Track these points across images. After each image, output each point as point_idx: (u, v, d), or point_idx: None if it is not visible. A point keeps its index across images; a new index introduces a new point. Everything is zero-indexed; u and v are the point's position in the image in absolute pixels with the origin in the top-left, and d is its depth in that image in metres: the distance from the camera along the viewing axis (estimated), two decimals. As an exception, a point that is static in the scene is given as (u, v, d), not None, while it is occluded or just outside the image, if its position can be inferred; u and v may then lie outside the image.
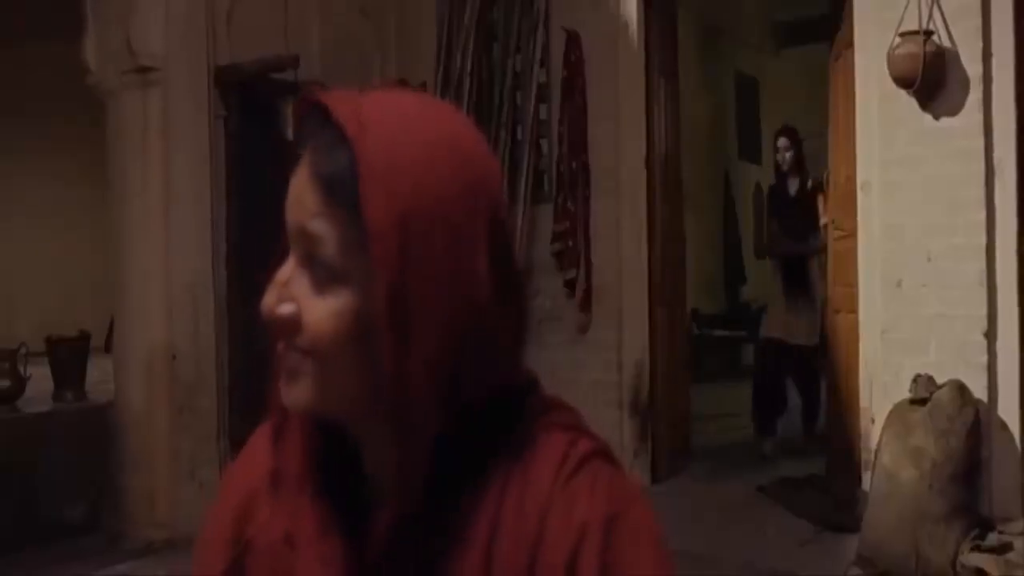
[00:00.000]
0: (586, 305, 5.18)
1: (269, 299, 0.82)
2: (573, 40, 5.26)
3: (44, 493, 4.57)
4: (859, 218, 4.52)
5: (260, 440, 0.96)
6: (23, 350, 4.68)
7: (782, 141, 6.19)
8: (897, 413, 4.23)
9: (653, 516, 0.83)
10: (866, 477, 4.41)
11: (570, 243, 5.16)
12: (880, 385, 4.44)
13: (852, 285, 4.68)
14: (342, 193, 0.79)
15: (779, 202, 6.28)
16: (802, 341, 6.02)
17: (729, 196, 10.87)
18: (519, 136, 5.49)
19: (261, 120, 4.90)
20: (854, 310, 4.69)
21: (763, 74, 11.58)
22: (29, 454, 4.53)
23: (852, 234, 4.62)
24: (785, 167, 6.15)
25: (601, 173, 5.21)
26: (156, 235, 4.62)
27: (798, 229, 6.06)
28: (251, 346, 4.85)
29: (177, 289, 4.64)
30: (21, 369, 4.66)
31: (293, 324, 0.81)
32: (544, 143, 5.48)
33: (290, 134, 4.80)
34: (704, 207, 9.91)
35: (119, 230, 4.72)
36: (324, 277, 0.80)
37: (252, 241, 4.90)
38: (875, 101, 4.35)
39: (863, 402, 4.57)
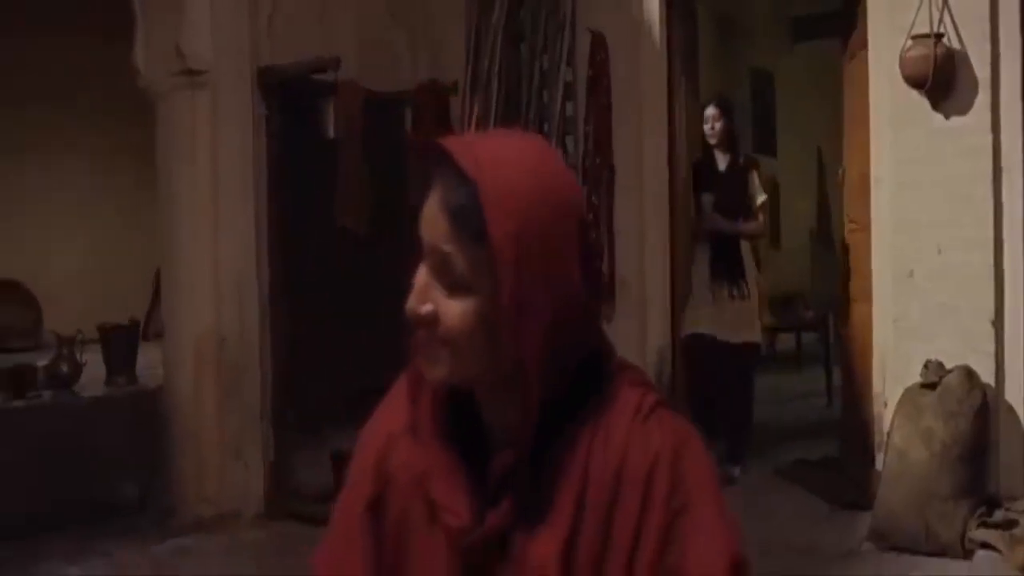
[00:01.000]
0: (610, 295, 5.41)
1: (413, 301, 1.07)
2: (598, 41, 5.48)
3: (100, 472, 4.84)
4: (872, 212, 4.75)
5: (397, 395, 1.20)
6: (79, 337, 4.95)
7: (711, 110, 5.64)
8: (908, 397, 4.47)
9: (704, 446, 1.09)
10: (879, 458, 4.64)
11: (595, 236, 5.40)
12: (892, 371, 4.67)
13: (866, 276, 4.91)
14: (467, 220, 1.04)
15: (707, 176, 5.69)
16: (733, 338, 5.47)
17: (745, 188, 11.07)
18: (546, 133, 5.71)
19: (301, 119, 5.15)
20: (868, 300, 4.91)
21: (777, 69, 11.74)
22: (86, 436, 4.80)
23: (865, 227, 4.84)
24: (714, 139, 5.62)
25: (625, 169, 5.44)
26: (204, 229, 4.88)
27: (729, 207, 5.58)
28: (293, 333, 5.11)
29: (224, 280, 4.91)
30: (77, 355, 4.93)
31: (432, 320, 1.06)
32: (570, 140, 5.69)
33: (331, 132, 5.06)
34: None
35: (169, 225, 4.99)
36: (454, 284, 1.05)
37: (293, 234, 5.16)
38: (888, 100, 4.58)
39: (876, 387, 4.80)
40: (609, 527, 1.04)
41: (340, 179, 5.08)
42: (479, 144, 1.08)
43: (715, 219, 5.58)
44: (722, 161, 5.68)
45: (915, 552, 4.22)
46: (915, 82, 4.35)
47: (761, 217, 5.74)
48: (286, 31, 5.23)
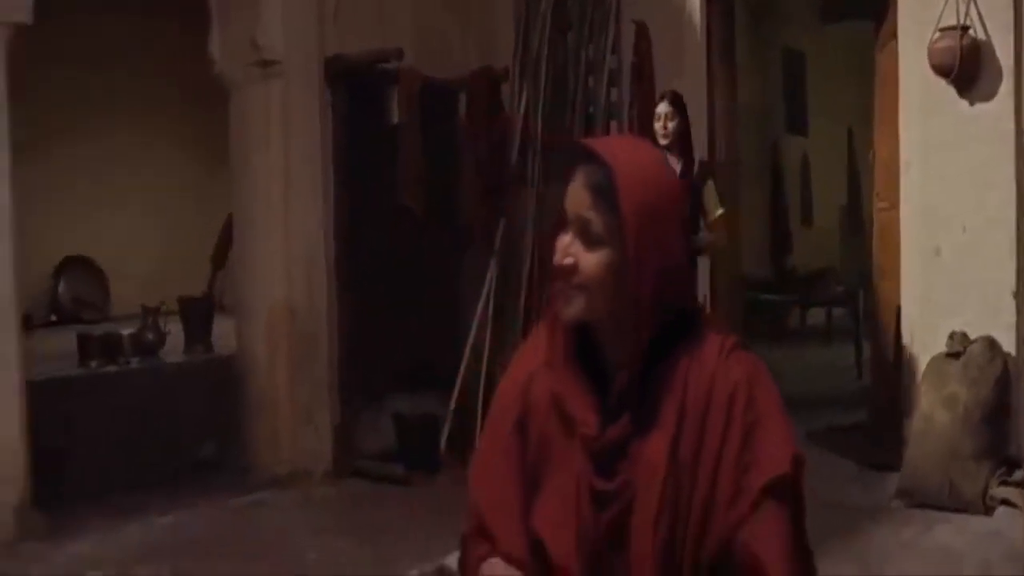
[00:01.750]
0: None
1: (559, 255, 1.43)
2: (642, 30, 5.79)
3: (182, 433, 5.25)
4: (901, 193, 5.06)
5: (534, 341, 1.57)
6: (163, 308, 5.36)
7: (663, 107, 4.95)
8: (934, 365, 4.80)
9: (770, 375, 1.45)
10: (906, 422, 4.98)
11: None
12: (919, 341, 5.00)
13: (894, 253, 5.23)
14: (604, 194, 1.40)
15: None
16: None
17: (777, 167, 11.32)
18: (591, 116, 6.04)
19: (366, 106, 5.52)
20: (896, 275, 5.23)
21: (809, 49, 11.92)
22: (170, 399, 5.21)
23: (895, 207, 5.16)
24: (665, 140, 4.88)
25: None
26: (277, 209, 5.26)
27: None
28: (357, 307, 5.50)
29: (294, 256, 5.30)
30: (161, 324, 5.34)
31: (572, 270, 1.42)
32: (614, 124, 6.02)
33: (395, 117, 5.43)
34: (752, 178, 10.38)
35: (244, 204, 5.39)
36: (591, 242, 1.42)
37: (357, 214, 5.53)
38: (917, 88, 4.88)
39: (904, 356, 5.13)
40: (702, 434, 1.40)
41: (401, 162, 5.44)
42: (610, 143, 1.46)
43: None
44: (675, 166, 4.91)
45: (940, 508, 4.56)
46: (942, 71, 4.65)
47: (717, 232, 4.97)
48: (349, 22, 5.59)
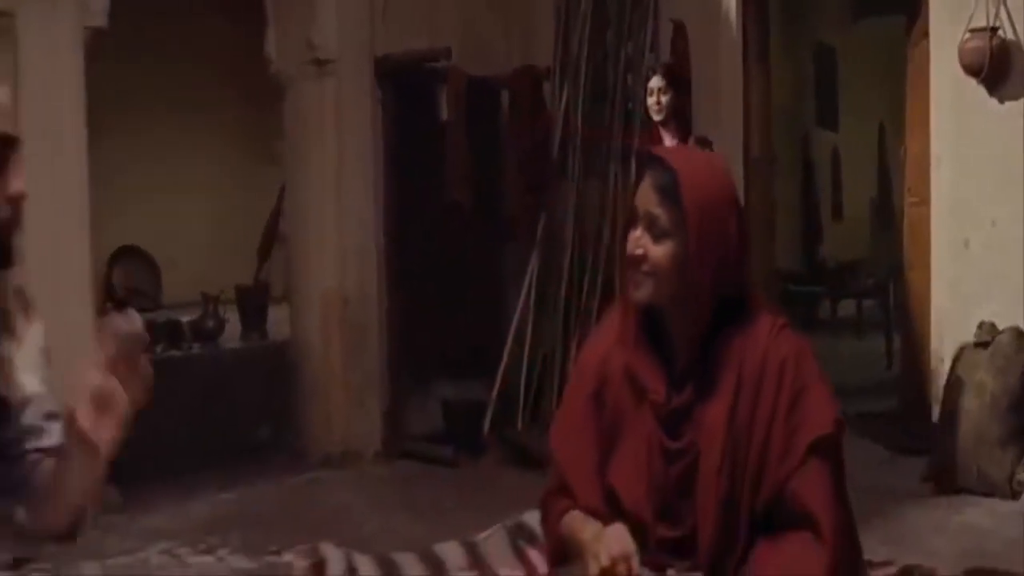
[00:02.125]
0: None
1: (630, 246, 1.66)
2: (679, 29, 5.98)
3: (240, 416, 5.52)
4: (932, 188, 5.24)
5: (607, 324, 1.80)
6: (222, 296, 5.63)
7: (656, 81, 4.85)
8: (963, 354, 4.98)
9: (813, 351, 1.67)
10: (935, 409, 5.16)
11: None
12: (948, 331, 5.18)
13: (924, 245, 5.40)
14: (669, 194, 1.63)
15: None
16: None
17: (808, 161, 11.45)
18: (630, 113, 6.24)
19: (414, 103, 5.76)
20: (926, 267, 5.41)
21: (841, 44, 12.01)
22: (228, 383, 5.48)
23: (925, 201, 5.33)
24: (659, 115, 4.80)
25: (704, 147, 5.96)
26: (329, 202, 5.52)
27: None
28: (406, 296, 5.75)
29: (347, 247, 5.55)
30: (220, 312, 5.61)
31: (642, 259, 1.65)
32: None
33: (443, 115, 5.66)
34: (784, 171, 10.51)
35: (298, 198, 5.65)
36: (658, 235, 1.64)
37: (406, 207, 5.78)
38: (947, 86, 5.06)
39: (934, 345, 5.31)
40: (756, 400, 1.63)
41: (448, 158, 5.68)
42: (675, 152, 1.69)
43: None
44: (668, 143, 4.83)
45: (967, 492, 4.74)
46: (972, 71, 4.83)
47: None
48: (397, 22, 5.82)
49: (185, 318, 5.70)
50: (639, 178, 1.70)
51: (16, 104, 4.13)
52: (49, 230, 4.13)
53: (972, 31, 4.84)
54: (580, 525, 1.68)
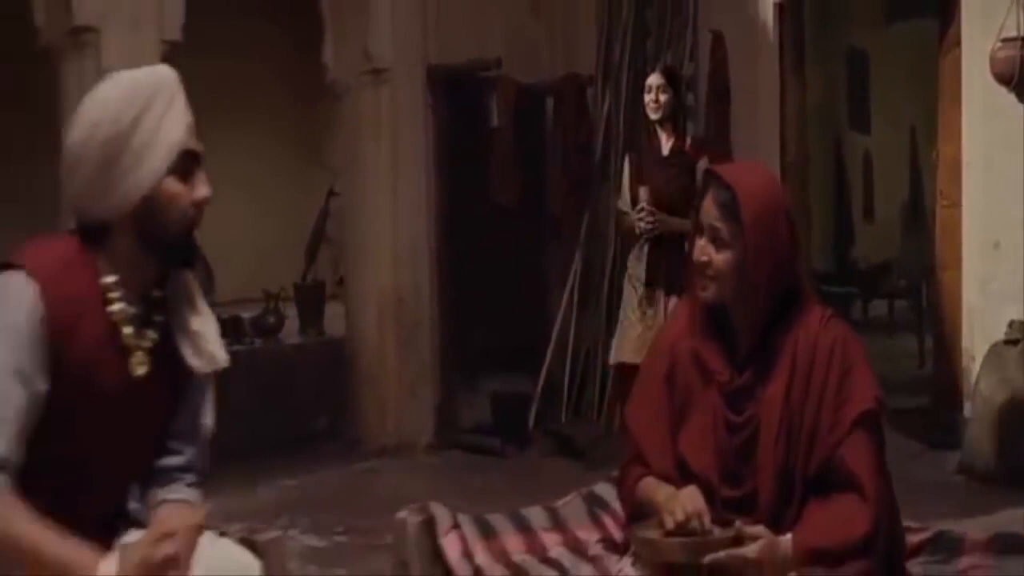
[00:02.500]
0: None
1: (696, 253, 1.91)
2: (718, 39, 6.21)
3: (299, 407, 5.82)
4: (964, 191, 5.45)
5: (678, 315, 2.05)
6: (282, 294, 5.93)
7: (654, 78, 4.69)
8: (994, 352, 5.18)
9: (857, 336, 1.92)
10: (967, 405, 5.37)
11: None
12: (980, 329, 5.38)
13: (956, 246, 5.61)
14: (729, 209, 1.88)
15: (646, 163, 4.71)
16: None
17: (840, 163, 11.61)
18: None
19: (464, 110, 6.03)
20: (958, 267, 5.61)
21: (873, 47, 12.14)
22: (288, 376, 5.78)
23: (957, 204, 5.54)
24: (656, 114, 4.64)
25: (741, 151, 6.19)
26: (385, 204, 5.81)
27: (669, 201, 4.50)
28: (457, 294, 6.03)
29: (401, 247, 5.84)
30: (281, 308, 5.91)
31: (707, 265, 1.90)
32: (691, 125, 6.45)
33: (495, 121, 5.94)
34: (816, 173, 10.67)
35: (355, 199, 5.94)
36: (720, 245, 1.90)
37: (456, 208, 6.06)
38: (979, 94, 5.26)
39: (965, 343, 5.52)
40: (808, 380, 1.88)
41: (497, 161, 5.95)
42: (733, 169, 1.96)
43: (660, 219, 4.47)
44: (665, 144, 4.72)
45: (997, 483, 4.95)
46: (1003, 79, 5.03)
47: None
48: (447, 32, 6.10)
49: (247, 314, 6.00)
50: (703, 193, 1.96)
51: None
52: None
53: (1003, 41, 5.04)
54: (655, 488, 1.94)
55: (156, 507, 1.78)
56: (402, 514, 2.09)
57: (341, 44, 5.86)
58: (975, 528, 2.29)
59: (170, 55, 4.83)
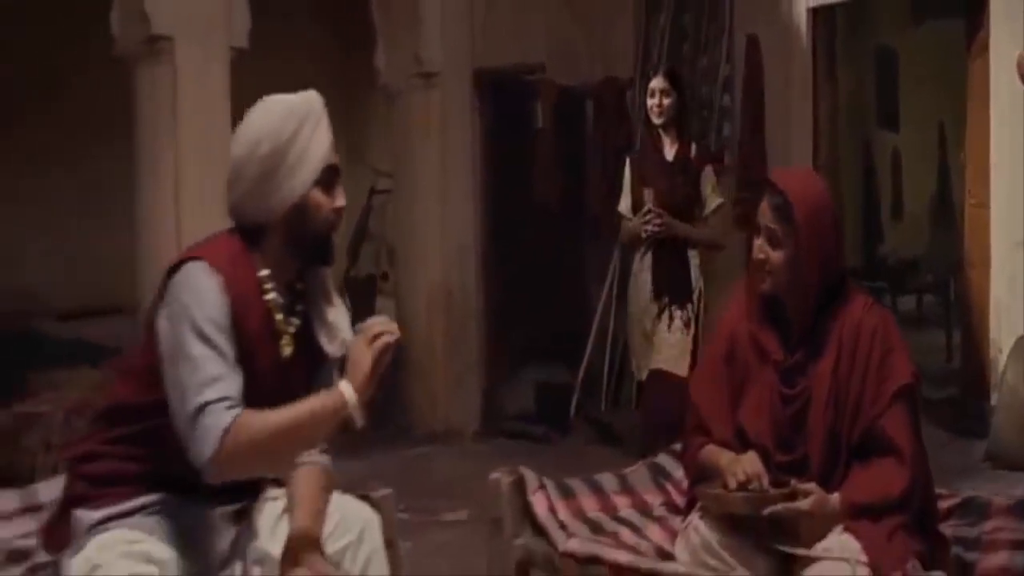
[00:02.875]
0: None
1: (755, 251, 2.18)
2: (753, 44, 6.45)
3: (352, 395, 6.10)
4: (991, 191, 5.67)
5: (736, 301, 2.32)
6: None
7: (657, 82, 4.47)
8: (1020, 344, 5.40)
9: (895, 321, 2.18)
10: (993, 394, 5.60)
11: (750, 207, 6.41)
12: (1006, 323, 5.61)
13: (983, 244, 5.83)
14: (783, 211, 2.15)
15: (649, 168, 4.49)
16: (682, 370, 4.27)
17: (870, 161, 11.79)
18: (706, 119, 6.73)
19: (509, 113, 6.31)
20: (985, 264, 5.83)
21: (902, 47, 12.27)
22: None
23: (984, 204, 5.77)
24: (660, 119, 4.42)
25: (776, 151, 6.43)
26: (434, 204, 6.10)
27: (679, 206, 4.37)
28: (502, 289, 6.32)
29: (450, 244, 6.12)
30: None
31: (764, 262, 2.17)
32: (726, 126, 6.71)
33: (539, 123, 6.21)
34: (846, 170, 10.85)
35: (405, 200, 6.24)
36: (775, 244, 2.17)
37: (501, 207, 6.34)
38: (1006, 97, 5.48)
39: (992, 336, 5.75)
40: (853, 359, 2.14)
41: (539, 163, 6.22)
42: (787, 176, 2.24)
43: (666, 223, 4.31)
44: (669, 148, 4.50)
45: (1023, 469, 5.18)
46: (1030, 83, 5.24)
47: (713, 227, 4.50)
48: (492, 37, 6.37)
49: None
50: (760, 197, 2.22)
51: (176, 117, 4.76)
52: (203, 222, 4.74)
53: (1029, 47, 5.25)
54: (717, 454, 2.21)
55: (296, 468, 2.06)
56: (495, 475, 2.35)
57: (392, 50, 6.14)
58: (1000, 496, 2.53)
59: (237, 60, 5.15)
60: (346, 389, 1.92)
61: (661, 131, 4.51)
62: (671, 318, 4.37)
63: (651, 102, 4.47)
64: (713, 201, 4.48)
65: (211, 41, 4.99)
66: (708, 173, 4.49)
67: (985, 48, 5.75)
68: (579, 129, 6.72)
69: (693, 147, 4.54)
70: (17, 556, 2.20)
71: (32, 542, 2.19)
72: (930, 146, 12.31)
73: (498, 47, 6.30)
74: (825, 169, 6.70)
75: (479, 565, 2.64)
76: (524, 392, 6.27)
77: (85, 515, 1.87)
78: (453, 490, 5.05)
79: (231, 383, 1.84)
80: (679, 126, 4.51)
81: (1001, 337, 5.66)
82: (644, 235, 4.40)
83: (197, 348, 1.83)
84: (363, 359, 1.92)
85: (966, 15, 6.27)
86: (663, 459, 2.68)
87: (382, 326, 1.94)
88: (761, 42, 6.45)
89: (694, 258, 4.49)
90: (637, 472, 2.61)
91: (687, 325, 4.37)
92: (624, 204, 4.61)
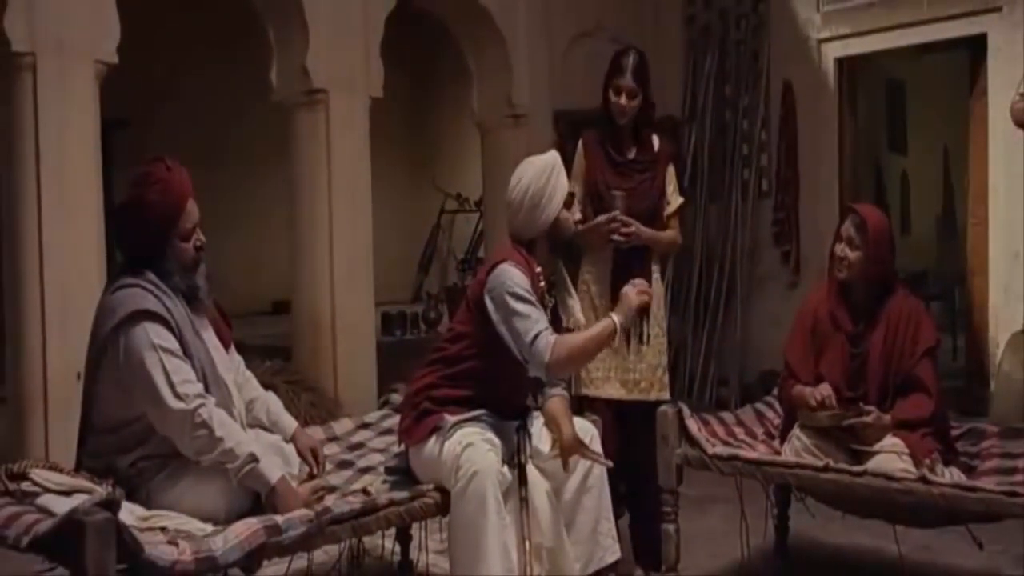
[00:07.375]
0: (796, 269, 7.56)
1: (838, 251, 3.39)
2: (788, 87, 7.59)
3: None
4: (990, 211, 6.80)
5: (817, 290, 3.49)
6: (439, 295, 7.37)
7: (627, 81, 3.93)
8: (1014, 339, 6.49)
9: (924, 306, 3.36)
10: (992, 382, 6.71)
11: (785, 226, 7.57)
12: (1002, 322, 6.72)
13: (983, 256, 6.95)
14: (860, 227, 3.34)
15: (606, 165, 4.01)
16: (638, 396, 3.86)
17: (880, 182, 12.80)
18: (746, 154, 7.86)
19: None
20: (985, 273, 6.95)
21: (909, 77, 12.86)
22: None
23: (983, 222, 6.88)
24: (623, 118, 3.94)
25: (807, 178, 7.57)
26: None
27: (641, 208, 3.86)
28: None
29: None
30: (438, 306, 7.35)
31: (844, 259, 3.37)
32: (763, 157, 7.83)
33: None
34: (859, 191, 11.85)
35: (496, 222, 7.33)
36: (852, 248, 3.36)
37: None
38: (1002, 134, 6.60)
39: (991, 333, 6.86)
40: (896, 329, 3.32)
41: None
42: (863, 205, 3.45)
43: (638, 229, 3.80)
44: (630, 148, 4.02)
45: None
46: (1021, 125, 6.35)
47: (673, 229, 4.03)
48: (567, 83, 7.50)
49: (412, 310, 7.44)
50: (844, 217, 3.40)
51: (330, 163, 5.87)
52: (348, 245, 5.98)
53: (1021, 94, 6.38)
54: (803, 389, 3.37)
55: (545, 397, 3.19)
56: (662, 408, 3.47)
57: (485, 92, 7.27)
58: (992, 427, 3.69)
59: (374, 108, 6.29)
60: (617, 319, 3.08)
61: (624, 130, 4.00)
62: (635, 336, 3.82)
63: (619, 100, 3.93)
64: (675, 201, 4.02)
65: (356, 93, 6.14)
66: (671, 172, 4.06)
67: (983, 94, 6.89)
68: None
69: (657, 143, 4.04)
70: (344, 464, 3.36)
71: (352, 456, 3.36)
72: (936, 167, 13.15)
73: (572, 91, 7.41)
74: (847, 192, 7.79)
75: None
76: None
77: (448, 419, 3.03)
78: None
79: (545, 320, 3.02)
80: (641, 124, 4.01)
81: (998, 334, 6.77)
82: (613, 244, 3.80)
83: (520, 305, 3.00)
84: (632, 301, 3.10)
85: (969, 48, 7.29)
86: (760, 406, 3.88)
87: (644, 286, 3.17)
88: (794, 86, 7.61)
89: (655, 267, 3.98)
90: (746, 412, 3.83)
91: (656, 343, 3.89)
92: (578, 191, 3.92)
